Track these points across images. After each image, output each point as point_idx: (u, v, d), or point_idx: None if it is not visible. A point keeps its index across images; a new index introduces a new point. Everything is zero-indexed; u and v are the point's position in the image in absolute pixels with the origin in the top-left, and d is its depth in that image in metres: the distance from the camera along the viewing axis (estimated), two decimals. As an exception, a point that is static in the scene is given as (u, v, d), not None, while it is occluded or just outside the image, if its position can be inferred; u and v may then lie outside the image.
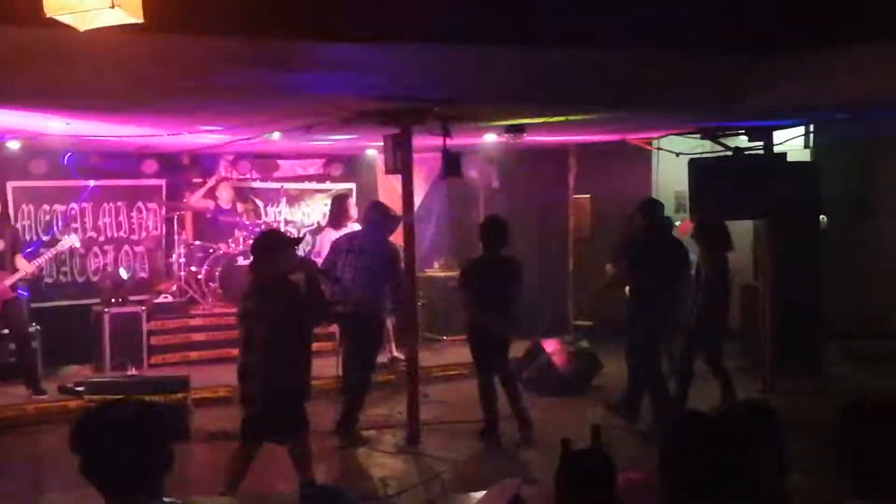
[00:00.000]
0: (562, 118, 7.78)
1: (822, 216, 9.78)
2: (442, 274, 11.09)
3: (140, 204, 10.39)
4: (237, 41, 4.34)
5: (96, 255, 10.18)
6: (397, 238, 7.59)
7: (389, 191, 10.88)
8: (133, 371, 8.83)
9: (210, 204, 10.68)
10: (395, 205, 7.93)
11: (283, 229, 10.25)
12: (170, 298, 10.05)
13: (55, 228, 9.81)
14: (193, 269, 10.28)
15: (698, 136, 9.40)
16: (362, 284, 7.20)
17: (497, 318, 7.01)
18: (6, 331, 8.51)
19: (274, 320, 5.32)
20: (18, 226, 9.39)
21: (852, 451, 2.41)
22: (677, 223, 9.42)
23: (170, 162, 10.39)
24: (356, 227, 8.53)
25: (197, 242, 10.44)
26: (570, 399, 8.47)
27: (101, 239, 10.21)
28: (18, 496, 6.41)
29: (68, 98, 5.96)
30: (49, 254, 8.89)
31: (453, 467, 6.67)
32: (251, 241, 5.78)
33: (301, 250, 8.12)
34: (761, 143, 8.94)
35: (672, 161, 10.32)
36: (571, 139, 10.52)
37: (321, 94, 6.14)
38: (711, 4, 4.57)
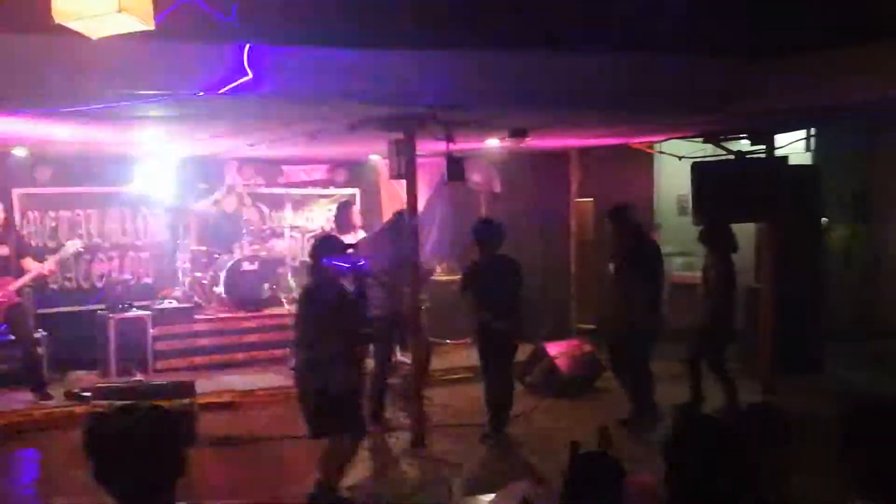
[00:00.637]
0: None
1: (823, 218, 9.79)
2: (445, 278, 11.09)
3: (145, 210, 10.43)
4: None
5: (101, 261, 10.21)
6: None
7: (392, 196, 10.91)
8: (139, 376, 8.86)
9: (214, 209, 10.71)
10: (398, 209, 7.97)
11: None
12: (175, 304, 10.09)
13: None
14: (198, 274, 10.32)
15: (700, 139, 9.41)
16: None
17: (503, 318, 7.05)
18: (12, 336, 8.55)
19: (325, 322, 5.52)
20: (24, 232, 9.42)
21: (854, 451, 2.44)
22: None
23: (174, 168, 10.40)
24: (362, 234, 8.59)
25: (202, 248, 10.48)
26: (576, 402, 8.48)
27: (107, 245, 10.26)
28: (26, 502, 6.42)
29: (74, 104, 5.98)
30: (54, 258, 8.90)
31: (460, 470, 6.69)
32: (311, 246, 5.94)
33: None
34: (763, 146, 8.96)
35: (674, 164, 10.35)
36: (573, 143, 10.53)
37: (326, 101, 6.18)
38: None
